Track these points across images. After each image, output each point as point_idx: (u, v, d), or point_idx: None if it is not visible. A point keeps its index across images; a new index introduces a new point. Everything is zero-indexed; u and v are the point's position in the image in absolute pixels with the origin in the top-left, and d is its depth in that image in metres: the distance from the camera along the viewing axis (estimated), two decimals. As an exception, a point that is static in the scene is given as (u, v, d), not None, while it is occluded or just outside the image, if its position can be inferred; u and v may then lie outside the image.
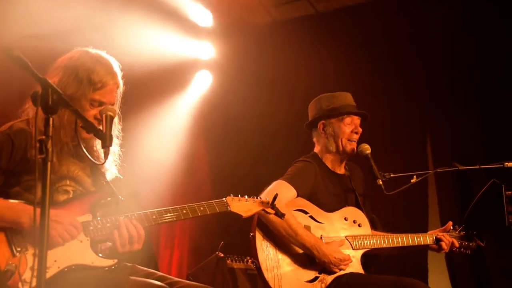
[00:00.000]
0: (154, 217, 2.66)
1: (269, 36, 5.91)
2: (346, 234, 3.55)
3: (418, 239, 3.65)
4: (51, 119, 1.98)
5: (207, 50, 6.07)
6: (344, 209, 3.65)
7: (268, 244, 3.41)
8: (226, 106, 6.01)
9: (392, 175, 3.74)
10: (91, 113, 2.63)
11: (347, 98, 3.78)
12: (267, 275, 3.33)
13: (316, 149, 3.82)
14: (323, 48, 5.69)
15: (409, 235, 3.66)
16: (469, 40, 5.37)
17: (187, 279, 4.67)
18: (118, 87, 2.73)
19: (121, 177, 2.88)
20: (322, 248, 3.38)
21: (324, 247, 3.39)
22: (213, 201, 2.84)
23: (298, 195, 3.52)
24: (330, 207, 3.61)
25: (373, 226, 3.77)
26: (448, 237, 3.66)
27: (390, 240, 3.61)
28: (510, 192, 3.63)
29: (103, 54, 2.75)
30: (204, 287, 2.74)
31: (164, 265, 5.69)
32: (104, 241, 2.60)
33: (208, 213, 2.83)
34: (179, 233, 5.92)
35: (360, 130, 3.73)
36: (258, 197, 2.98)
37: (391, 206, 5.06)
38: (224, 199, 2.88)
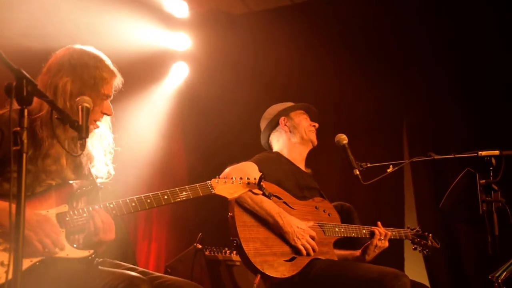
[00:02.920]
0: (133, 204, 2.62)
1: (245, 26, 5.90)
2: (318, 222, 3.61)
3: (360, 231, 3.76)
4: (25, 111, 1.95)
5: (183, 41, 6.03)
6: (314, 199, 3.75)
7: (248, 222, 3.42)
8: (203, 96, 6.00)
9: (368, 165, 3.76)
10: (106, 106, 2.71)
11: (296, 103, 4.00)
12: (248, 251, 3.34)
13: (277, 147, 3.93)
14: (300, 39, 5.70)
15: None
16: (446, 29, 5.42)
17: (165, 271, 4.65)
18: (117, 79, 2.76)
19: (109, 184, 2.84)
20: (287, 217, 3.44)
21: (289, 217, 3.45)
22: (196, 184, 2.78)
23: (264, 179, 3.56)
24: (297, 196, 3.67)
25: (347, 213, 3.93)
26: (382, 229, 3.73)
27: (358, 230, 3.74)
28: (484, 181, 3.66)
29: (95, 50, 2.75)
30: (185, 282, 2.72)
31: (142, 257, 5.66)
32: (79, 232, 2.55)
33: (191, 197, 2.76)
34: (156, 225, 5.90)
35: (317, 125, 3.93)
36: (246, 178, 2.92)
37: (367, 196, 5.11)
38: (208, 182, 2.82)
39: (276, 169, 3.66)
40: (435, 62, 5.58)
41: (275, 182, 3.61)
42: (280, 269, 3.39)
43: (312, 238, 3.47)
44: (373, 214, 3.83)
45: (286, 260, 3.43)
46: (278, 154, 3.87)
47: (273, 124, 3.97)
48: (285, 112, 3.93)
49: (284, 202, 3.57)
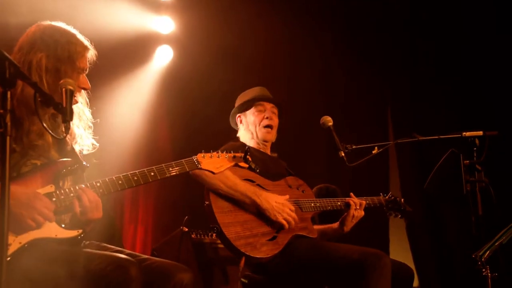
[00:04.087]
0: (120, 182, 2.60)
1: (229, 8, 5.85)
2: (294, 199, 3.63)
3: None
4: (9, 93, 1.92)
5: (167, 25, 5.98)
6: (285, 178, 3.77)
7: (225, 207, 3.42)
8: (188, 79, 5.97)
9: (353, 147, 3.78)
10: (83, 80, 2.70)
11: (257, 90, 4.00)
12: (230, 236, 3.34)
13: (242, 139, 3.96)
14: (285, 20, 5.67)
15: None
16: (432, 10, 5.43)
17: (152, 254, 4.66)
18: (90, 52, 2.74)
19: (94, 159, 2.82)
20: (263, 194, 3.45)
21: (266, 193, 3.47)
22: (182, 160, 2.77)
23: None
24: (272, 178, 3.69)
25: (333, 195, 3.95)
26: (356, 199, 3.76)
27: (333, 202, 3.76)
28: (468, 161, 3.69)
29: (65, 25, 2.72)
30: (172, 264, 2.73)
31: (129, 240, 5.66)
32: (67, 212, 2.53)
33: (178, 173, 2.74)
34: (143, 208, 5.89)
35: (274, 116, 3.91)
36: (231, 152, 2.92)
37: (353, 178, 5.14)
38: (194, 156, 2.81)
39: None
40: (419, 43, 5.60)
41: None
42: (263, 249, 3.39)
43: (291, 210, 3.49)
44: (358, 195, 3.83)
45: (268, 240, 3.44)
46: (241, 142, 3.90)
47: (234, 121, 4.03)
48: (240, 110, 3.97)
49: (258, 185, 3.58)
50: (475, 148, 3.68)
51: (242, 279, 3.64)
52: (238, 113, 3.99)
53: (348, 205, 3.76)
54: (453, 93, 5.43)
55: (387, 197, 4.05)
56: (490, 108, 5.13)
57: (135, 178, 2.63)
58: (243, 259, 3.58)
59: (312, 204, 3.69)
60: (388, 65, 5.77)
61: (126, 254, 2.61)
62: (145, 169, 2.67)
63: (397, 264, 3.54)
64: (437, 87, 5.56)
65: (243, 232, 3.40)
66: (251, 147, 3.85)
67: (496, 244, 3.25)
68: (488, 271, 3.22)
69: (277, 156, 4.03)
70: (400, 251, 5.50)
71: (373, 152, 3.80)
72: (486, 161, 3.66)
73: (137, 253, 2.76)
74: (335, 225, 3.84)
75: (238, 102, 4.03)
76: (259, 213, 3.47)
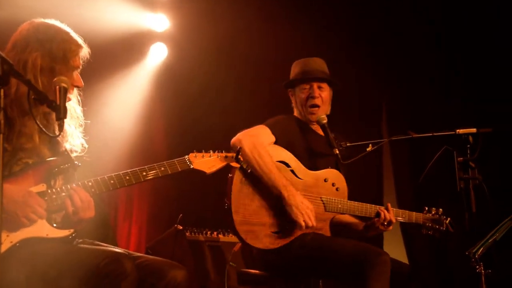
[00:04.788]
0: (112, 181, 2.59)
1: (225, 7, 5.84)
2: (322, 196, 3.55)
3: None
4: (1, 91, 1.92)
5: (162, 22, 5.96)
6: (326, 170, 3.65)
7: (244, 188, 3.37)
8: (183, 77, 5.95)
9: (348, 144, 3.78)
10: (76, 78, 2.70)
11: (314, 63, 3.84)
12: (236, 217, 3.32)
13: (295, 113, 3.87)
14: (278, 17, 5.66)
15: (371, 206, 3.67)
16: (425, 9, 5.44)
17: (146, 252, 4.66)
18: (83, 50, 2.73)
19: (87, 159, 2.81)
20: (292, 190, 3.39)
21: (294, 191, 3.40)
22: (174, 159, 2.76)
23: (275, 142, 3.53)
24: (311, 165, 3.61)
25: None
26: (388, 214, 3.58)
27: (363, 208, 3.63)
28: (461, 158, 3.70)
29: (59, 23, 2.72)
30: (166, 261, 2.72)
31: (123, 239, 5.65)
32: (58, 211, 2.53)
33: (170, 172, 2.72)
34: (137, 206, 5.88)
35: (316, 94, 3.74)
36: (222, 151, 2.91)
37: (347, 175, 5.14)
38: (185, 156, 2.80)
39: (288, 131, 3.62)
40: (414, 41, 5.60)
41: (287, 144, 3.56)
42: (265, 240, 3.37)
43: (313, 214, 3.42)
44: (352, 192, 3.82)
45: (274, 232, 3.40)
46: (293, 116, 3.81)
47: (286, 89, 3.92)
48: (290, 84, 3.86)
49: (292, 171, 3.52)
50: (468, 146, 3.69)
51: (231, 263, 3.62)
52: (288, 88, 3.88)
53: (378, 215, 3.61)
54: (448, 90, 5.44)
55: (430, 214, 3.84)
56: (484, 106, 5.13)
57: (127, 177, 2.62)
58: (239, 244, 3.56)
59: (340, 206, 3.57)
60: (383, 62, 5.77)
61: (119, 252, 2.61)
62: (137, 168, 2.66)
63: (395, 261, 3.54)
64: (432, 85, 5.57)
65: (251, 217, 3.36)
66: (303, 122, 3.75)
67: (490, 241, 3.27)
68: (482, 267, 3.24)
69: (334, 137, 3.78)
70: (394, 248, 5.50)
71: (367, 149, 3.81)
72: (479, 158, 3.68)
73: (131, 251, 2.76)
74: (360, 226, 3.73)
75: (291, 73, 3.89)
76: (278, 205, 3.40)
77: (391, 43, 5.71)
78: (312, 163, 3.63)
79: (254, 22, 5.71)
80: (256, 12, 5.67)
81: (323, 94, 3.76)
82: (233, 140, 3.44)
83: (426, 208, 3.87)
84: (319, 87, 3.76)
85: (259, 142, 3.43)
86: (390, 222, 3.60)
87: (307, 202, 3.40)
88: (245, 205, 3.36)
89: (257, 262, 3.60)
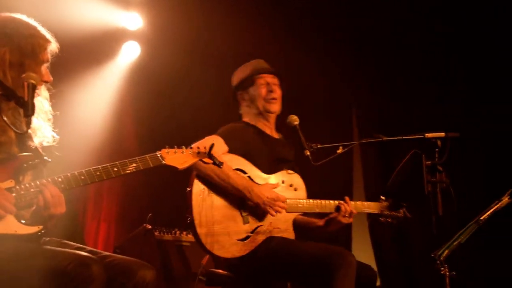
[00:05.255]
0: (82, 177, 2.56)
1: (198, 6, 5.82)
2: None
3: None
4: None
5: (135, 21, 5.91)
6: (281, 172, 3.70)
7: (205, 200, 3.38)
8: (155, 75, 5.92)
9: (319, 146, 3.80)
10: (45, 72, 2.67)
11: (258, 63, 3.90)
12: (200, 231, 3.32)
13: (245, 118, 3.87)
14: (251, 17, 5.66)
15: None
16: (397, 12, 5.49)
17: (114, 251, 4.62)
18: (51, 44, 2.70)
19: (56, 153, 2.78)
20: (254, 189, 3.42)
21: (257, 188, 3.44)
22: (146, 155, 2.73)
23: (229, 151, 3.53)
24: (267, 169, 3.64)
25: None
26: (348, 206, 3.67)
27: (323, 204, 3.70)
28: (429, 162, 3.76)
29: (26, 17, 2.68)
30: (134, 261, 2.71)
31: (91, 238, 5.60)
32: (27, 207, 2.49)
33: (141, 168, 2.69)
34: (106, 205, 5.83)
35: (276, 88, 3.82)
36: (196, 147, 2.89)
37: (317, 177, 5.17)
38: (157, 152, 2.77)
39: (243, 141, 3.63)
40: (385, 45, 5.66)
41: (241, 151, 3.58)
42: (231, 249, 3.39)
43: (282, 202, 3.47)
44: (322, 194, 3.85)
45: (239, 240, 3.42)
46: (245, 123, 3.81)
47: (234, 97, 3.93)
48: (241, 86, 3.86)
49: (249, 177, 3.55)
50: (437, 149, 3.75)
51: (200, 277, 3.63)
52: (239, 91, 3.88)
53: (338, 209, 3.68)
54: (417, 94, 5.50)
55: (386, 203, 3.94)
56: (452, 110, 5.22)
57: (98, 173, 2.59)
58: (207, 256, 3.58)
59: (300, 205, 3.63)
60: (353, 65, 5.82)
61: (88, 251, 2.58)
62: (108, 164, 2.63)
63: (360, 264, 3.58)
64: (401, 88, 5.63)
65: (214, 228, 3.36)
66: (256, 128, 3.77)
67: (455, 243, 3.32)
68: (447, 270, 3.28)
69: (283, 138, 3.90)
70: (362, 250, 5.56)
71: (338, 151, 3.83)
72: (447, 162, 3.74)
73: (99, 250, 2.73)
74: (320, 222, 3.77)
75: (236, 79, 3.91)
76: (240, 211, 3.44)
77: (361, 45, 5.76)
78: (268, 167, 3.66)
79: (227, 21, 5.70)
80: (229, 10, 5.66)
81: (278, 90, 3.84)
82: None
83: (383, 198, 3.97)
84: (274, 84, 3.84)
85: (215, 153, 3.40)
86: (351, 214, 3.68)
87: (271, 193, 3.45)
88: (207, 217, 3.36)
89: (224, 268, 3.60)
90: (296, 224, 3.68)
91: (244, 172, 3.55)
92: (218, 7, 5.71)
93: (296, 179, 3.75)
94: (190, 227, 3.37)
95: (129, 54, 5.96)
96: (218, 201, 3.42)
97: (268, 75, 3.85)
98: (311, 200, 3.69)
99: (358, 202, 3.81)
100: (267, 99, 3.79)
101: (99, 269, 2.39)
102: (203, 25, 5.75)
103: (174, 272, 4.64)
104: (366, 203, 3.88)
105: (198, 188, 3.39)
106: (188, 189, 3.40)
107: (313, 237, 3.84)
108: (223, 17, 5.65)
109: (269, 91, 3.80)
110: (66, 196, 2.56)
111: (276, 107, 3.83)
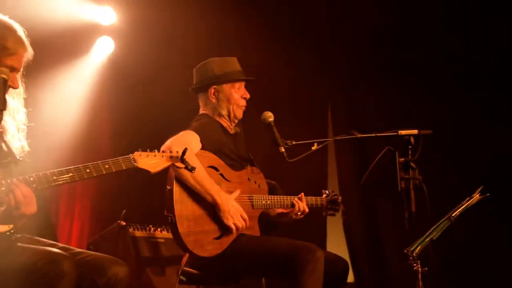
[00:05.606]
0: (54, 177, 2.53)
1: (173, 0, 5.79)
2: (248, 194, 3.63)
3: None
4: None
5: (108, 15, 5.85)
6: (247, 169, 3.74)
7: (184, 198, 3.38)
8: (129, 71, 5.87)
9: (294, 143, 3.82)
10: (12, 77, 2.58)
11: (236, 64, 3.88)
12: (182, 230, 3.32)
13: (205, 111, 3.83)
14: (226, 11, 5.65)
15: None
16: (368, 9, 5.53)
17: (88, 248, 4.59)
18: (27, 52, 2.65)
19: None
20: (224, 196, 3.44)
21: (227, 196, 3.46)
22: (119, 158, 2.73)
23: (202, 148, 3.52)
24: (235, 166, 3.67)
25: (272, 191, 3.88)
26: (302, 204, 3.79)
27: (284, 201, 3.78)
28: (403, 159, 3.80)
29: (8, 19, 2.64)
30: (107, 257, 2.69)
31: (64, 235, 5.54)
32: None
33: (114, 170, 2.69)
34: (80, 202, 5.78)
35: (248, 95, 3.83)
36: (168, 151, 2.89)
37: (292, 174, 5.20)
38: (130, 155, 2.77)
39: (214, 136, 3.62)
40: (359, 42, 5.70)
41: (213, 148, 3.58)
42: (209, 248, 3.40)
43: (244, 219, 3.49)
44: (297, 191, 3.88)
45: (215, 238, 3.44)
46: (213, 119, 3.78)
47: (202, 88, 3.84)
48: (218, 81, 3.78)
49: (221, 174, 3.57)
50: (410, 146, 3.79)
51: (181, 277, 3.63)
52: (214, 84, 3.79)
53: (292, 206, 3.80)
54: (391, 91, 5.55)
55: (329, 197, 4.09)
56: (426, 107, 5.28)
57: (70, 174, 2.57)
58: (187, 255, 3.58)
59: (264, 202, 3.69)
60: (329, 62, 5.85)
61: (59, 248, 2.57)
62: (80, 165, 2.62)
63: (333, 256, 3.62)
64: (376, 85, 5.67)
65: (194, 227, 3.37)
66: (219, 123, 3.76)
67: (427, 240, 3.36)
68: (419, 265, 3.33)
69: (239, 130, 3.90)
70: (337, 244, 5.60)
71: (312, 148, 3.86)
72: (420, 159, 3.78)
73: (71, 247, 2.72)
74: (273, 213, 3.86)
75: (215, 70, 3.80)
76: (216, 212, 3.45)
77: (336, 42, 5.79)
78: (235, 164, 3.69)
79: (203, 17, 5.68)
80: (206, 6, 5.65)
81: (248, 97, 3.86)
82: (163, 147, 3.34)
83: (325, 192, 4.11)
84: (246, 93, 3.85)
85: (190, 150, 3.35)
86: (303, 212, 3.81)
87: (237, 205, 3.47)
88: (188, 216, 3.37)
89: (195, 267, 3.61)
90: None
91: (217, 170, 3.56)
92: (195, 2, 5.68)
93: (259, 175, 3.80)
94: (172, 226, 3.36)
95: (103, 49, 5.90)
96: (196, 200, 3.42)
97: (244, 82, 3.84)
98: (274, 196, 3.77)
99: (309, 197, 3.92)
100: (240, 106, 3.80)
101: (70, 265, 2.38)
102: (178, 20, 5.72)
103: (148, 268, 4.62)
104: (314, 198, 3.99)
105: (178, 186, 3.38)
106: (169, 187, 3.39)
107: (287, 232, 3.88)
108: (198, 11, 5.63)
109: (243, 98, 3.81)
110: (38, 193, 2.53)
111: (242, 114, 3.84)
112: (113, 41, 5.94)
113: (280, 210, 3.85)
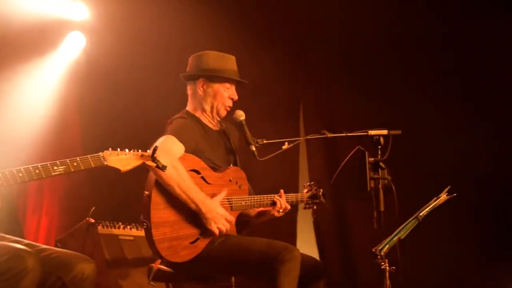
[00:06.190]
0: (20, 175, 2.50)
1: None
2: (228, 197, 3.60)
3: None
4: None
5: (80, 10, 5.77)
6: (229, 169, 3.71)
7: (162, 204, 3.35)
8: (102, 68, 5.79)
9: (265, 142, 3.83)
10: None
11: (232, 63, 3.83)
12: (157, 237, 3.30)
13: (189, 107, 3.82)
14: (204, 8, 5.63)
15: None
16: (342, 7, 5.56)
17: (55, 245, 4.54)
18: None
19: None
20: (209, 204, 3.41)
21: (209, 202, 3.43)
22: (88, 155, 2.71)
23: (185, 150, 3.50)
24: (216, 166, 3.64)
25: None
26: (283, 201, 3.76)
27: (264, 200, 3.76)
28: (372, 159, 3.85)
29: None
30: (74, 254, 2.67)
31: (31, 232, 5.46)
32: None
33: (83, 168, 2.67)
34: (48, 199, 5.69)
35: (236, 97, 3.81)
36: (138, 150, 2.88)
37: (263, 173, 5.21)
38: (100, 153, 2.75)
39: (193, 136, 3.58)
40: (331, 39, 5.72)
41: (193, 149, 3.54)
42: (182, 254, 3.39)
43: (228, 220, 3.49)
44: (268, 189, 3.89)
45: (190, 243, 3.42)
46: (189, 114, 3.75)
47: (192, 78, 3.80)
48: (207, 75, 3.72)
49: (202, 177, 3.53)
50: (379, 146, 3.84)
51: (152, 283, 3.61)
52: (204, 78, 3.73)
53: (273, 204, 3.76)
54: (362, 91, 5.59)
55: (310, 192, 4.06)
56: (396, 107, 5.33)
57: (37, 171, 2.54)
58: (159, 260, 3.57)
59: (243, 203, 3.66)
60: (301, 61, 5.87)
61: (25, 245, 2.54)
62: (48, 162, 2.59)
63: (305, 257, 3.63)
64: (348, 85, 5.71)
65: (170, 233, 3.35)
66: (200, 121, 3.73)
67: (395, 239, 3.40)
68: (387, 264, 3.37)
69: (226, 126, 3.89)
70: (306, 244, 5.63)
71: (283, 147, 3.88)
72: (389, 159, 3.83)
73: (37, 243, 2.69)
74: (252, 213, 3.84)
75: (209, 63, 3.75)
76: (195, 216, 3.43)
77: (309, 41, 5.81)
78: (217, 164, 3.67)
79: (177, 13, 5.64)
80: (179, 2, 5.61)
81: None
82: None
83: (306, 186, 4.11)
84: (235, 95, 3.82)
85: (175, 158, 3.37)
86: (285, 209, 3.77)
87: (222, 210, 3.46)
88: (164, 222, 3.34)
89: (168, 265, 3.59)
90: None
91: (198, 173, 3.53)
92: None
93: (241, 175, 3.76)
94: (147, 232, 3.33)
95: (74, 45, 5.81)
96: (172, 205, 3.39)
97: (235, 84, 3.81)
98: (252, 196, 3.74)
99: (289, 195, 3.88)
100: (225, 106, 3.77)
101: (34, 262, 2.35)
102: (152, 16, 5.67)
103: (116, 266, 4.58)
104: (294, 195, 3.96)
105: (157, 193, 3.35)
106: (147, 193, 3.35)
107: (258, 232, 3.89)
108: (172, 7, 5.59)
109: (230, 98, 3.77)
110: (5, 190, 2.50)
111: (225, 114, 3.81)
112: (84, 36, 5.86)
113: (260, 209, 3.82)
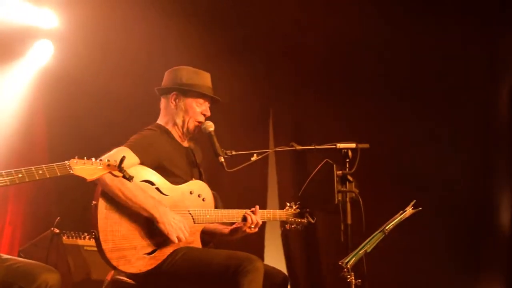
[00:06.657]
0: None
1: (115, 4, 5.70)
2: (190, 208, 3.56)
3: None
4: None
5: (48, 18, 5.69)
6: (190, 182, 3.66)
7: (111, 214, 3.30)
8: (70, 77, 5.73)
9: (234, 153, 3.82)
10: None
11: (207, 79, 3.83)
12: (105, 246, 3.26)
13: (161, 120, 3.79)
14: (172, 17, 5.61)
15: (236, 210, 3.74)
16: (314, 20, 5.61)
17: (19, 255, 4.46)
18: None
19: None
20: (162, 209, 3.37)
21: (164, 208, 3.38)
22: (54, 164, 2.69)
23: (140, 163, 3.46)
24: (177, 180, 3.60)
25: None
26: (254, 216, 3.68)
27: (228, 215, 3.69)
28: (340, 172, 3.88)
29: None
30: (37, 264, 2.63)
31: (-6, 241, 5.35)
32: None
33: (48, 176, 2.65)
34: (12, 208, 5.58)
35: (209, 113, 3.80)
36: (106, 160, 2.86)
37: (232, 184, 5.20)
38: (66, 162, 2.73)
39: (153, 148, 3.54)
40: (303, 51, 5.77)
41: (153, 165, 3.50)
42: (137, 264, 3.34)
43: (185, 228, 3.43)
44: (236, 201, 3.87)
45: (146, 254, 3.37)
46: (160, 127, 3.72)
47: (165, 91, 3.80)
48: (180, 90, 3.73)
49: (157, 188, 3.48)
50: (348, 160, 3.88)
51: None
52: (177, 92, 3.73)
53: (244, 219, 3.69)
54: (332, 104, 5.64)
55: (292, 209, 4.01)
56: (364, 121, 5.39)
57: (1, 179, 2.50)
58: (112, 271, 3.52)
59: (208, 216, 3.60)
60: (271, 73, 5.89)
61: (-14, 255, 2.48)
62: (12, 170, 2.55)
63: (271, 269, 3.62)
64: (318, 97, 5.75)
65: (121, 243, 3.30)
66: (170, 134, 3.70)
67: (361, 252, 3.43)
68: (353, 277, 3.39)
69: (194, 145, 3.85)
70: (274, 256, 5.63)
71: (252, 159, 3.87)
72: (357, 172, 3.86)
73: (0, 254, 2.63)
74: (226, 230, 3.79)
75: (181, 77, 3.75)
76: (149, 225, 3.38)
77: (279, 53, 5.85)
78: (181, 176, 3.63)
79: (146, 22, 5.61)
80: (148, 11, 5.59)
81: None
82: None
83: (288, 204, 4.04)
84: (207, 111, 3.81)
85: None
86: (257, 224, 3.70)
87: (178, 217, 3.42)
88: (114, 232, 3.30)
89: (130, 277, 3.55)
90: (203, 232, 3.66)
91: (152, 184, 3.48)
92: (136, 5, 5.62)
93: (205, 189, 3.71)
94: (96, 241, 3.29)
95: (42, 53, 5.73)
96: (125, 215, 3.34)
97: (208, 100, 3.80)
98: (219, 210, 3.68)
99: (265, 211, 3.85)
100: (196, 120, 3.75)
101: None
102: (121, 24, 5.64)
103: (81, 277, 4.52)
104: (272, 212, 3.93)
105: (103, 202, 3.30)
106: (94, 202, 3.31)
107: (225, 244, 3.86)
108: (141, 16, 5.56)
109: (203, 114, 3.76)
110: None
111: (197, 129, 3.78)
112: (53, 44, 5.78)
113: (233, 226, 3.75)
